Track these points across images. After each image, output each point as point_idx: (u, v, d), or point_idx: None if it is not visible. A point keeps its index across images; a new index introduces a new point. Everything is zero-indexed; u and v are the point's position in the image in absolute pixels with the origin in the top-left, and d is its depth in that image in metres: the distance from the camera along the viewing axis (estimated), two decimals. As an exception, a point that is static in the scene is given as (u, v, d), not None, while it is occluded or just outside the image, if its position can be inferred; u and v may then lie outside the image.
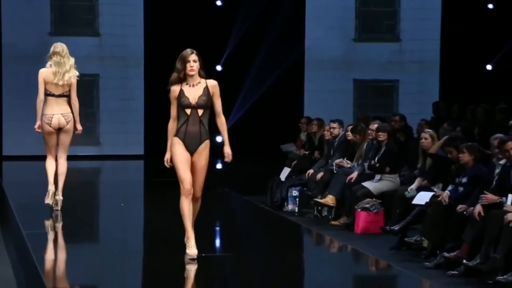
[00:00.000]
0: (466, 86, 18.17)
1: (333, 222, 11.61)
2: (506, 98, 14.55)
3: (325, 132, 13.42)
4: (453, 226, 8.91)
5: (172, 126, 7.93)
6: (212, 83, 7.92)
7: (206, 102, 7.82)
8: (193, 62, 7.80)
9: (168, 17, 19.44)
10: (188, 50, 7.86)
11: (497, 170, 8.90)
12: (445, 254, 8.71)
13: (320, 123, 13.99)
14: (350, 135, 12.41)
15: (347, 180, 11.66)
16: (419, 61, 20.03)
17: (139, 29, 19.78)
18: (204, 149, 7.92)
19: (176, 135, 7.87)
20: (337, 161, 12.43)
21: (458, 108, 13.77)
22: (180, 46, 21.09)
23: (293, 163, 13.68)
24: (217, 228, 11.29)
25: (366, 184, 11.34)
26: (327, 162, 12.88)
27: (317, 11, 19.72)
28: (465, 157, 9.20)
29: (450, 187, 9.55)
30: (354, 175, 11.64)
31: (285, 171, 13.52)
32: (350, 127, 12.58)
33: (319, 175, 12.46)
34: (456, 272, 8.50)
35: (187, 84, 7.84)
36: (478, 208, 8.51)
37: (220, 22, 19.55)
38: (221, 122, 8.06)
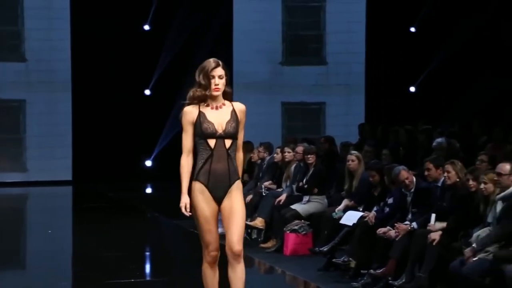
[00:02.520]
0: (390, 107, 18.53)
1: (262, 245, 11.69)
2: (428, 119, 14.89)
3: (254, 155, 13.53)
4: (379, 246, 9.08)
5: (186, 162, 6.02)
6: (241, 108, 6.14)
7: (236, 130, 6.02)
8: (218, 79, 6.00)
9: (95, 41, 19.35)
10: (212, 62, 6.05)
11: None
12: (372, 271, 8.86)
13: (249, 146, 14.10)
14: (277, 158, 12.55)
15: (276, 202, 11.76)
16: (345, 83, 20.36)
17: (66, 53, 19.64)
18: (236, 191, 6.04)
19: (197, 178, 6.00)
20: (266, 183, 12.54)
21: (382, 130, 14.03)
22: (108, 70, 21.03)
23: (222, 186, 13.71)
24: (147, 253, 11.27)
25: (295, 206, 11.46)
26: (256, 184, 12.98)
27: (244, 35, 19.90)
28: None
29: (376, 208, 9.75)
30: (283, 197, 11.75)
31: (215, 195, 13.53)
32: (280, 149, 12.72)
33: (248, 198, 12.53)
34: (382, 291, 8.65)
35: (207, 105, 6.02)
36: (394, 235, 8.76)
37: (148, 46, 19.55)
38: (239, 159, 6.19)
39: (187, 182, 6.03)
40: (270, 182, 12.60)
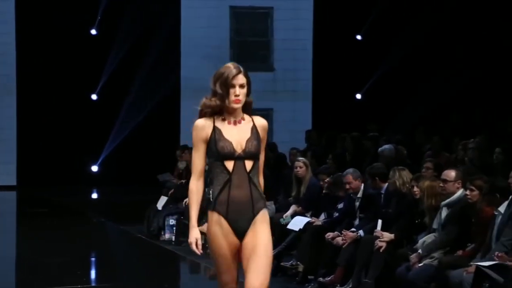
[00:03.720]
0: (337, 114, 18.69)
1: (209, 251, 11.65)
2: (374, 126, 15.05)
3: (201, 161, 13.52)
4: (327, 251, 9.14)
5: (196, 188, 5.05)
6: (263, 124, 5.09)
7: (258, 150, 4.99)
8: (239, 88, 4.95)
9: (41, 45, 19.15)
10: (232, 67, 4.98)
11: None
12: (320, 279, 8.92)
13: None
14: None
15: (224, 208, 11.74)
16: (292, 90, 20.47)
17: (11, 57, 19.40)
18: (261, 223, 4.98)
19: (214, 207, 5.01)
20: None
21: (329, 137, 14.14)
22: (54, 74, 20.80)
23: (170, 192, 13.70)
24: (93, 259, 11.17)
25: (242, 212, 11.46)
26: (204, 190, 12.96)
27: (192, 41, 19.88)
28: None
29: (324, 213, 9.83)
30: (231, 203, 11.74)
31: (162, 200, 13.51)
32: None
33: (196, 204, 12.50)
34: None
35: (223, 119, 5.00)
36: (341, 242, 8.85)
37: (95, 51, 19.41)
38: (259, 183, 5.12)
39: (196, 212, 5.02)
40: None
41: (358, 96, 20.02)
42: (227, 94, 4.93)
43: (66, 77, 19.21)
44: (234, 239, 5.00)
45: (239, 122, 5.01)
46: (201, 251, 5.06)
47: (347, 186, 9.21)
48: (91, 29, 19.86)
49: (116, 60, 19.63)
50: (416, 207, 8.53)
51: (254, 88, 18.16)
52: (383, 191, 9.08)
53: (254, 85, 18.62)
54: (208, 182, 5.04)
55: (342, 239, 8.87)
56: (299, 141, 15.60)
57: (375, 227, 8.73)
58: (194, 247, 5.05)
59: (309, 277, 9.23)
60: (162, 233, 13.07)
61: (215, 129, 4.97)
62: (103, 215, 14.95)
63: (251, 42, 20.44)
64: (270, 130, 20.38)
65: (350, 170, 9.43)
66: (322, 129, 15.64)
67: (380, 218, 8.81)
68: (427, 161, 9.68)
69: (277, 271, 9.96)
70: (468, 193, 7.94)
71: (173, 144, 17.20)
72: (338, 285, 8.67)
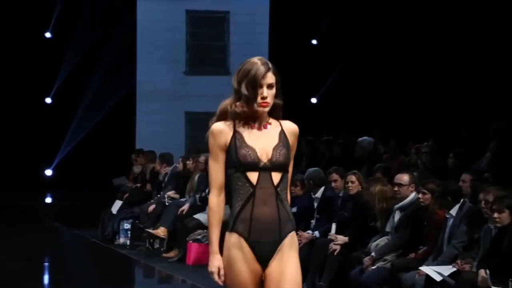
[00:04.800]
0: (293, 118, 18.77)
1: (164, 255, 11.66)
2: (329, 130, 15.16)
3: (156, 165, 13.51)
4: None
5: (218, 205, 4.21)
6: (293, 129, 4.30)
7: (287, 159, 4.20)
8: (266, 89, 4.14)
9: (-6, 48, 18.96)
10: (260, 64, 4.16)
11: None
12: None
13: (152, 155, 14.06)
14: (181, 167, 12.56)
15: (179, 212, 11.75)
16: (248, 94, 20.51)
17: (-36, 60, 19.19)
18: (289, 249, 4.20)
19: (233, 228, 4.14)
20: (169, 193, 12.53)
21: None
22: (7, 77, 20.52)
23: (125, 196, 13.65)
24: (47, 264, 11.08)
25: (198, 216, 11.47)
26: (159, 194, 12.94)
27: (148, 44, 19.83)
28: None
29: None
30: (186, 207, 11.76)
31: (117, 204, 13.46)
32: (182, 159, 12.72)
33: (151, 208, 12.49)
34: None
35: (246, 123, 4.20)
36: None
37: (50, 54, 19.26)
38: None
39: (218, 234, 4.17)
40: (173, 191, 12.59)
41: (314, 100, 20.13)
42: (255, 96, 4.11)
43: (20, 80, 19.05)
44: (256, 266, 4.13)
45: (265, 127, 4.19)
46: (223, 281, 4.18)
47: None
48: (46, 32, 19.70)
49: (72, 63, 19.51)
50: (370, 210, 8.62)
51: (211, 92, 18.15)
52: (340, 194, 9.16)
53: (210, 88, 18.58)
54: (226, 198, 4.23)
55: (298, 240, 8.90)
56: (255, 145, 15.62)
57: (329, 230, 8.79)
58: (216, 277, 4.18)
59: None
60: (117, 237, 13.01)
61: (235, 134, 4.14)
62: (57, 220, 14.84)
63: (207, 46, 20.44)
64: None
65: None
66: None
67: (336, 221, 8.88)
68: (378, 166, 9.80)
69: (232, 274, 9.95)
70: (421, 197, 8.05)
71: (129, 148, 17.14)
72: (292, 288, 8.69)
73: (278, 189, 4.13)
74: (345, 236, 8.60)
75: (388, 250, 8.07)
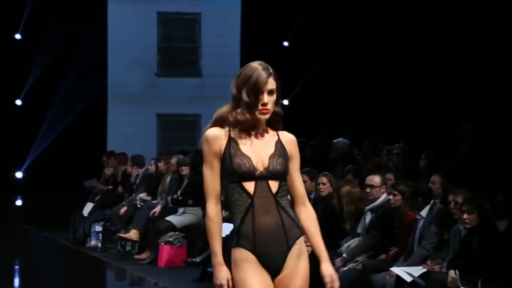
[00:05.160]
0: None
1: (136, 257, 11.63)
2: (301, 132, 15.18)
3: (128, 167, 13.47)
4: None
5: (216, 215, 4.04)
6: (290, 138, 4.14)
7: (284, 168, 4.04)
8: (267, 96, 3.98)
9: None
10: (261, 69, 4.02)
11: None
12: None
13: (124, 158, 14.02)
14: (153, 169, 12.54)
15: (151, 214, 11.73)
16: (220, 96, 20.46)
17: None
18: (299, 257, 4.03)
19: (237, 243, 3.99)
20: (141, 195, 12.50)
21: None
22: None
23: (96, 199, 13.60)
24: (17, 267, 11.01)
25: (170, 218, 11.46)
26: (131, 196, 12.91)
27: (119, 46, 19.75)
28: None
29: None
30: (158, 209, 11.74)
31: (88, 207, 13.41)
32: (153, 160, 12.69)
33: (123, 210, 12.46)
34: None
35: (243, 131, 4.02)
36: None
37: (19, 56, 19.11)
38: (308, 214, 4.19)
39: (220, 245, 4.01)
40: (145, 194, 12.56)
41: (286, 102, 20.18)
42: (256, 103, 3.93)
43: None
44: (267, 277, 3.93)
45: (262, 135, 4.02)
46: None
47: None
48: (16, 33, 19.56)
49: (42, 65, 19.38)
50: (341, 212, 8.65)
51: (182, 94, 18.10)
52: (312, 196, 9.18)
53: (182, 90, 18.54)
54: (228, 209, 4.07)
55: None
56: (227, 147, 15.64)
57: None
58: None
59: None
60: (88, 239, 12.96)
61: (230, 141, 3.97)
62: (28, 222, 14.74)
63: (179, 47, 20.41)
64: (198, 136, 20.42)
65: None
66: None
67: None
68: (349, 168, 9.84)
69: (204, 276, 9.98)
70: (391, 198, 8.10)
71: (100, 150, 17.07)
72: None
73: (277, 197, 3.96)
74: (317, 237, 8.60)
75: (359, 252, 8.11)
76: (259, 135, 4.01)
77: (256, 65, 4.02)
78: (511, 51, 12.11)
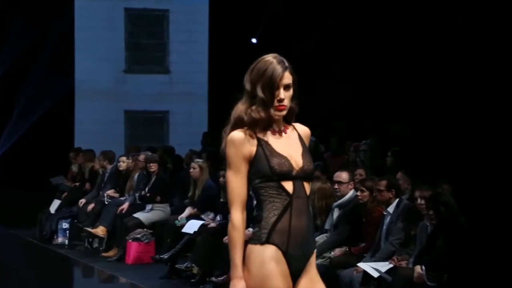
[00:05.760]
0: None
1: (104, 254, 11.58)
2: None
3: (96, 164, 13.41)
4: (222, 252, 9.20)
5: (242, 223, 3.81)
6: (306, 132, 3.98)
7: (314, 168, 3.95)
8: (283, 91, 3.79)
9: None
10: (276, 62, 3.82)
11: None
12: (213, 279, 8.97)
13: (91, 154, 13.95)
14: (122, 166, 12.50)
15: (118, 211, 11.69)
16: (188, 92, 20.46)
17: None
18: (313, 266, 3.91)
19: (268, 239, 3.76)
20: (108, 192, 12.45)
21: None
22: None
23: (63, 195, 13.52)
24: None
25: (137, 214, 11.43)
26: (98, 193, 12.85)
27: (86, 43, 19.63)
28: None
29: (219, 215, 9.89)
30: (125, 206, 11.70)
31: (55, 204, 13.33)
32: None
33: (90, 207, 12.40)
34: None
35: (266, 130, 3.82)
36: None
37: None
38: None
39: (241, 255, 3.75)
40: (112, 190, 12.51)
41: (254, 99, 20.20)
42: (272, 99, 3.73)
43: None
44: (290, 283, 3.76)
45: (285, 132, 3.84)
46: None
47: None
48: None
49: (8, 61, 19.21)
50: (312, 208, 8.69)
51: (150, 91, 18.00)
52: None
53: (150, 87, 18.46)
54: (255, 208, 3.85)
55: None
56: (195, 143, 15.65)
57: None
58: None
59: (207, 279, 9.26)
60: (55, 237, 12.89)
61: (260, 142, 3.75)
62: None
63: (147, 44, 20.34)
64: (166, 133, 20.41)
65: None
66: (218, 131, 15.68)
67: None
68: (315, 167, 9.88)
69: (172, 273, 9.97)
70: (359, 194, 8.15)
71: (67, 147, 16.97)
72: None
73: (309, 200, 3.82)
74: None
75: (327, 248, 8.15)
76: (282, 132, 3.82)
77: (271, 58, 3.80)
78: (464, 46, 12.19)
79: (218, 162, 11.71)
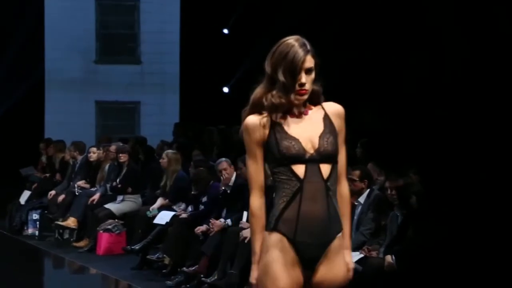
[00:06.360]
0: (205, 107, 18.78)
1: (75, 245, 11.54)
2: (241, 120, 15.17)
3: (66, 155, 13.34)
4: (193, 243, 9.21)
5: (261, 209, 3.71)
6: (337, 110, 3.84)
7: (336, 147, 3.72)
8: (305, 75, 3.67)
9: None
10: (297, 46, 3.71)
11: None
12: (185, 269, 8.98)
13: (61, 145, 13.87)
14: (93, 156, 12.44)
15: (89, 202, 11.65)
16: (159, 83, 20.40)
17: None
18: (338, 253, 3.69)
19: (275, 226, 3.65)
20: (79, 183, 12.40)
21: (197, 129, 14.21)
22: None
23: (33, 186, 13.44)
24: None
25: (108, 205, 11.40)
26: (69, 184, 12.79)
27: (56, 33, 19.48)
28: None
29: (191, 206, 9.89)
30: (96, 196, 11.67)
31: (25, 195, 13.25)
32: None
33: (61, 198, 12.34)
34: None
35: (285, 113, 3.72)
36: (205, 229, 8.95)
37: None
38: (341, 195, 3.78)
39: (260, 241, 3.68)
40: (83, 181, 12.46)
41: (225, 89, 20.17)
42: (293, 84, 3.62)
43: None
44: (298, 273, 3.62)
45: (306, 113, 3.70)
46: None
47: (224, 173, 9.22)
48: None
49: (-23, 51, 19.04)
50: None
51: (121, 81, 17.89)
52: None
53: (121, 78, 18.33)
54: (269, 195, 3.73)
55: (210, 228, 8.92)
56: (167, 134, 15.60)
57: (241, 218, 8.85)
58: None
59: (179, 269, 9.27)
60: (25, 228, 12.82)
61: (273, 125, 3.65)
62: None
63: (117, 34, 20.23)
64: (137, 124, 20.33)
65: (223, 158, 9.52)
66: (189, 122, 15.66)
67: (247, 210, 8.92)
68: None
69: (143, 264, 9.96)
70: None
71: (37, 137, 16.86)
72: (203, 276, 8.74)
73: (328, 183, 3.62)
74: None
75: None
76: (303, 114, 3.69)
77: (293, 41, 3.68)
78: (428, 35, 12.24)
79: (189, 152, 11.71)
